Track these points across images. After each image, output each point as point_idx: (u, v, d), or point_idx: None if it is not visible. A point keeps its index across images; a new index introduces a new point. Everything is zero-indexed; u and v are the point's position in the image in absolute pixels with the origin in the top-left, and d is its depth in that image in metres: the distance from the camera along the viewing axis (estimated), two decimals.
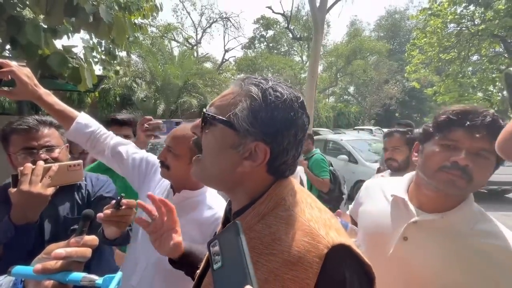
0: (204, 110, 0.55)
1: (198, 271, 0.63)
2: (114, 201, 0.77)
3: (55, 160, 1.01)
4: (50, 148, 1.02)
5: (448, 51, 9.00)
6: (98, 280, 0.47)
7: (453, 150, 0.75)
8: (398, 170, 1.77)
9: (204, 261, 0.64)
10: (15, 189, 0.83)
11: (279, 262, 0.46)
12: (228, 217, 0.62)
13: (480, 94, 9.16)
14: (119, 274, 0.48)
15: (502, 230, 0.74)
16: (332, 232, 0.48)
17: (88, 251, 0.50)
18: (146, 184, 1.15)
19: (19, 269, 0.47)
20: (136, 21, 3.25)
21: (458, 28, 8.80)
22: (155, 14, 3.52)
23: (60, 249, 0.47)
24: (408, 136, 1.73)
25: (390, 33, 26.28)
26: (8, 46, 1.99)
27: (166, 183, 1.13)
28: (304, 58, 24.82)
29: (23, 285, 0.50)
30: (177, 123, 1.09)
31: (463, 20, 8.64)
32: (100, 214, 0.74)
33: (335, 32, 52.08)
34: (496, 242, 0.71)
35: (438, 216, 0.78)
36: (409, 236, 0.81)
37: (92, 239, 0.52)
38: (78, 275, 0.47)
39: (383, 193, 0.94)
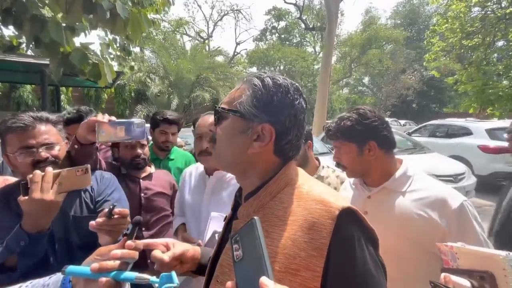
0: (215, 106, 0.65)
1: (211, 256, 0.69)
2: (106, 210, 0.75)
3: (56, 157, 0.96)
4: (49, 146, 0.96)
5: (471, 37, 8.49)
6: (152, 278, 0.51)
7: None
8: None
9: (215, 247, 0.69)
10: (26, 198, 0.80)
11: (294, 229, 0.53)
12: (239, 201, 0.68)
13: (505, 82, 8.63)
14: (174, 272, 0.53)
15: (430, 183, 1.02)
16: (341, 199, 0.56)
17: (136, 254, 0.55)
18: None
19: (72, 268, 0.52)
20: (149, 16, 3.27)
21: (483, 12, 8.26)
22: (167, 9, 3.51)
23: (117, 250, 0.53)
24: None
25: (407, 20, 25.10)
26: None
27: (196, 174, 1.44)
28: (317, 48, 24.27)
29: (71, 284, 0.53)
30: (139, 125, 0.98)
31: (489, 3, 8.09)
32: (92, 222, 0.73)
33: (350, 21, 50.48)
34: (426, 194, 0.98)
35: (380, 187, 1.06)
36: (368, 210, 1.05)
37: (141, 243, 0.57)
38: (131, 274, 0.52)
39: (349, 184, 1.24)
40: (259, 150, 0.59)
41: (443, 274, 0.66)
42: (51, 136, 0.98)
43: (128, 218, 0.79)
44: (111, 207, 0.75)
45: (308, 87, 17.78)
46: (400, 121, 16.33)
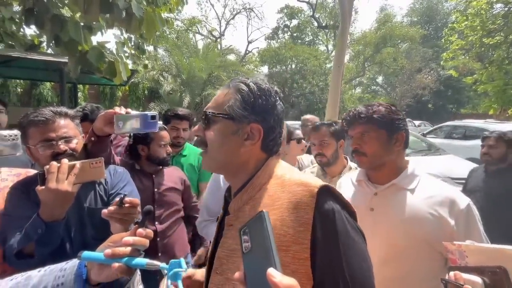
0: (205, 111, 0.68)
1: (209, 250, 0.74)
2: (117, 199, 0.79)
3: (74, 150, 1.01)
4: (68, 139, 1.01)
5: (493, 34, 8.14)
6: (162, 264, 0.54)
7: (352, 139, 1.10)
8: (328, 165, 1.69)
9: (212, 242, 0.74)
10: (43, 187, 0.84)
11: (282, 210, 0.59)
12: (228, 201, 0.72)
13: None
14: (183, 259, 0.56)
15: (436, 183, 1.04)
16: (319, 181, 0.62)
17: (147, 241, 0.58)
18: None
19: (88, 253, 0.55)
20: (162, 15, 3.33)
21: (506, 9, 7.90)
22: (181, 8, 3.56)
23: (128, 237, 0.56)
24: (333, 129, 1.67)
25: (425, 18, 24.32)
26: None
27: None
28: (330, 47, 23.92)
29: (87, 269, 0.56)
30: (153, 117, 1.00)
31: None
32: (104, 210, 0.78)
33: (363, 19, 49.33)
34: (435, 192, 0.98)
35: (389, 184, 1.04)
36: (374, 207, 1.05)
37: (151, 232, 0.60)
38: (142, 261, 0.55)
39: (351, 181, 1.19)
40: (250, 148, 0.66)
41: (452, 272, 0.66)
42: (70, 130, 1.03)
43: (139, 209, 0.82)
44: (121, 196, 0.79)
45: (320, 86, 17.56)
46: (414, 121, 15.81)
